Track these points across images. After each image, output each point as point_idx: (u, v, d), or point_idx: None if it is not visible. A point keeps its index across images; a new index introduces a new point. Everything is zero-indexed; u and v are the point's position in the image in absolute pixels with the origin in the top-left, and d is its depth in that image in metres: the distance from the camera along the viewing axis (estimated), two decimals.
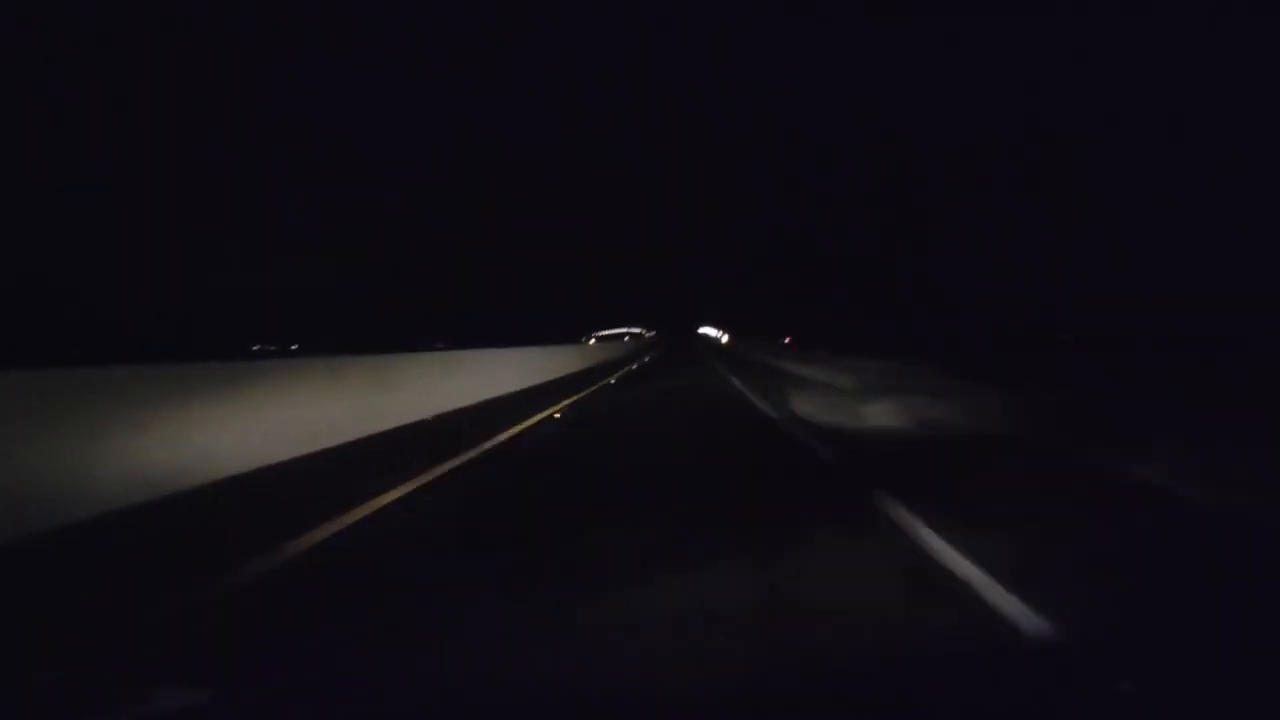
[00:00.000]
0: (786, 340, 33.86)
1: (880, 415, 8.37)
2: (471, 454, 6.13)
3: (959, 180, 20.28)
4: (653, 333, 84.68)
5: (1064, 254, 16.91)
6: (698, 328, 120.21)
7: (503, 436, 7.20)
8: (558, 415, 9.29)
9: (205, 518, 4.33)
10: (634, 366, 24.82)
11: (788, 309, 40.48)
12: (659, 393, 13.61)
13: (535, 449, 6.84)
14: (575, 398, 11.82)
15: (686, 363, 27.96)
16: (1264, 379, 10.06)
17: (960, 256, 21.04)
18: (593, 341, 40.61)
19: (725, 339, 59.49)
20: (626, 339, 53.64)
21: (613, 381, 16.33)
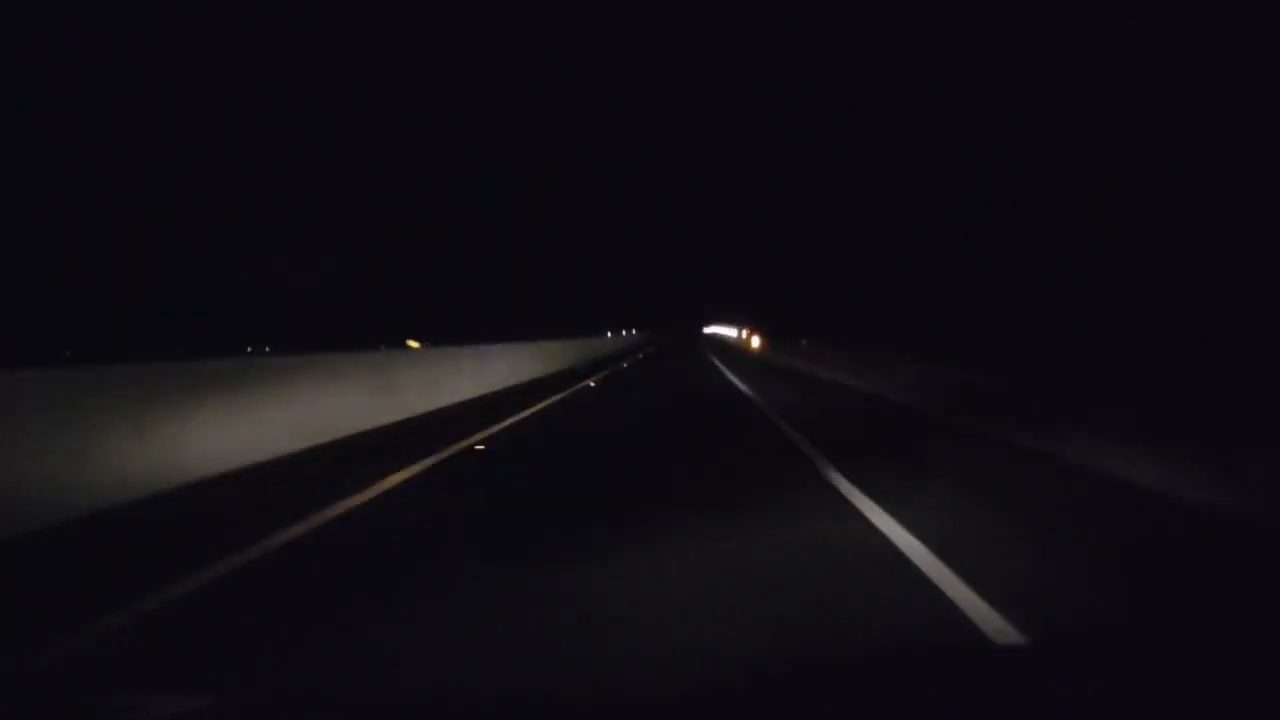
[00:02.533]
0: (803, 343, 26.78)
1: None
2: None
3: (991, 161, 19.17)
4: (622, 333, 53.13)
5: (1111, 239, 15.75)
6: (703, 326, 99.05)
7: None
8: None
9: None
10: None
11: (812, 302, 32.24)
12: None
13: None
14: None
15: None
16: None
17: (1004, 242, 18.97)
18: None
19: (757, 341, 35.06)
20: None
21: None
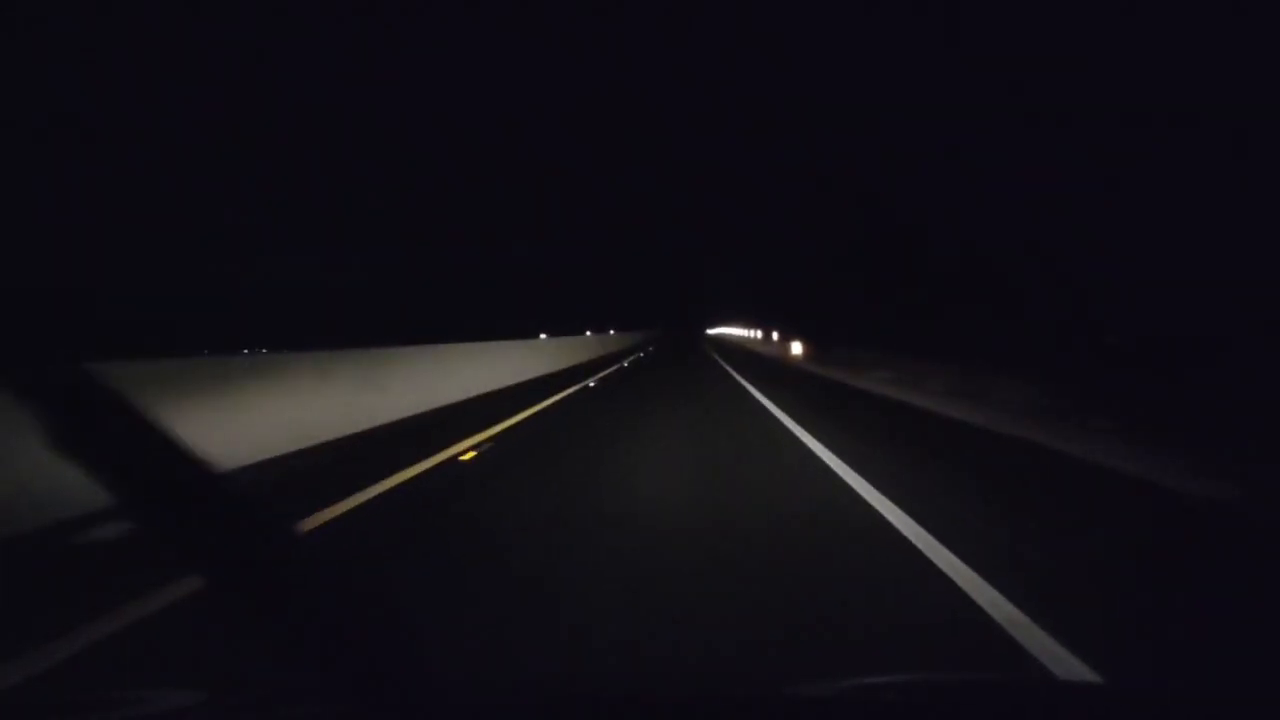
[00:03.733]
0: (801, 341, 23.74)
1: None
2: None
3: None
4: (586, 334, 36.28)
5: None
6: (707, 327, 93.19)
7: None
8: None
9: None
10: None
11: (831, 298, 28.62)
12: None
13: None
14: None
15: None
16: None
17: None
18: None
19: (798, 349, 26.58)
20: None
21: None
